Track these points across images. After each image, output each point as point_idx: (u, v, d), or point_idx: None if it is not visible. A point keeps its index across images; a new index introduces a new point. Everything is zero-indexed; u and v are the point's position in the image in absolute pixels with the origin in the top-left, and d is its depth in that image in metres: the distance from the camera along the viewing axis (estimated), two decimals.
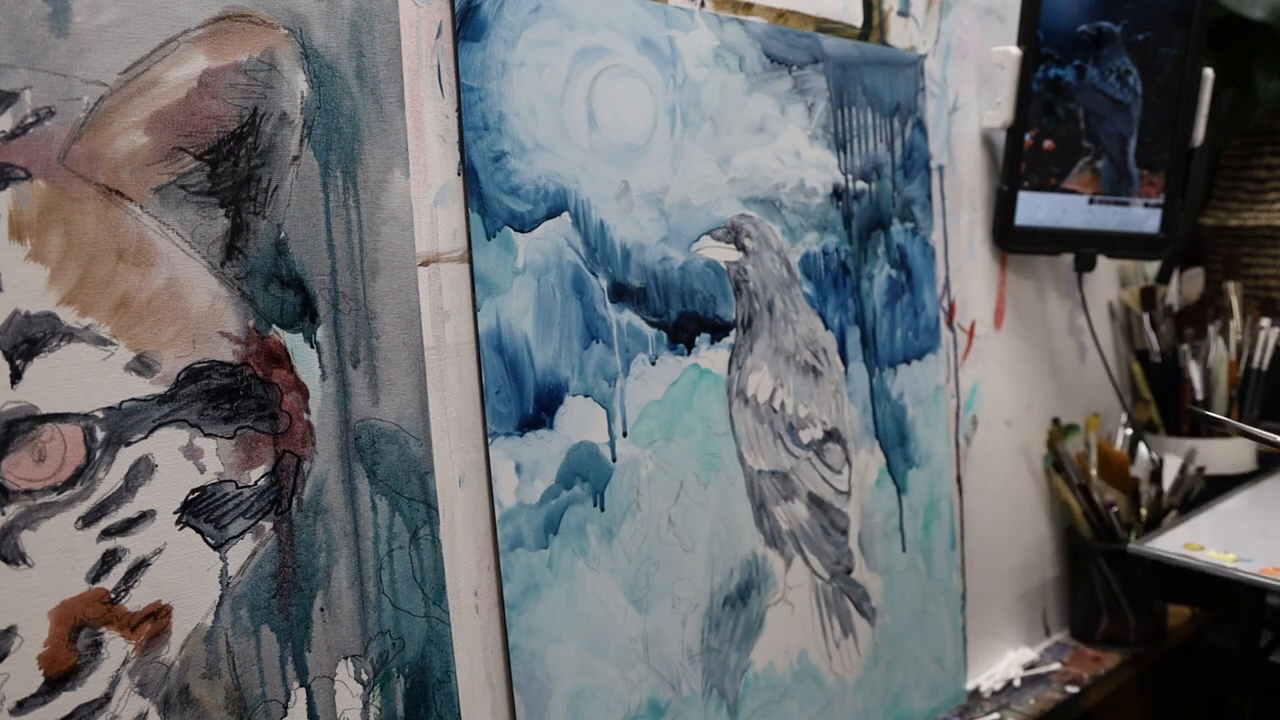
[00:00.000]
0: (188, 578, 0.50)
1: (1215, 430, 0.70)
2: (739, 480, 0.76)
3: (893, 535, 0.88)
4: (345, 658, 0.55)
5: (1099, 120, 1.03)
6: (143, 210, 0.48)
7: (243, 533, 0.51)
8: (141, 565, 0.48)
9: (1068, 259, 1.10)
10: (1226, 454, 1.14)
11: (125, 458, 0.48)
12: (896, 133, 0.89)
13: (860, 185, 0.85)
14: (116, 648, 0.47)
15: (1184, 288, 1.24)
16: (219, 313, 0.51)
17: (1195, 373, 1.14)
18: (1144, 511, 1.04)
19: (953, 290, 0.97)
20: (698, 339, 0.73)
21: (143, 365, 0.48)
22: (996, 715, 0.94)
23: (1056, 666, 1.03)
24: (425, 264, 0.59)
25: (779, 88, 0.79)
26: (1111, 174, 1.05)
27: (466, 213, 0.61)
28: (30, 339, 0.45)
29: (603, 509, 0.67)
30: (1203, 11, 1.04)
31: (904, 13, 0.91)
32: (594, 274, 0.67)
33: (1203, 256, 1.33)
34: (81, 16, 0.46)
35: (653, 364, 0.70)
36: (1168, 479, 1.07)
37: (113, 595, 0.47)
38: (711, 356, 0.74)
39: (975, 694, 0.97)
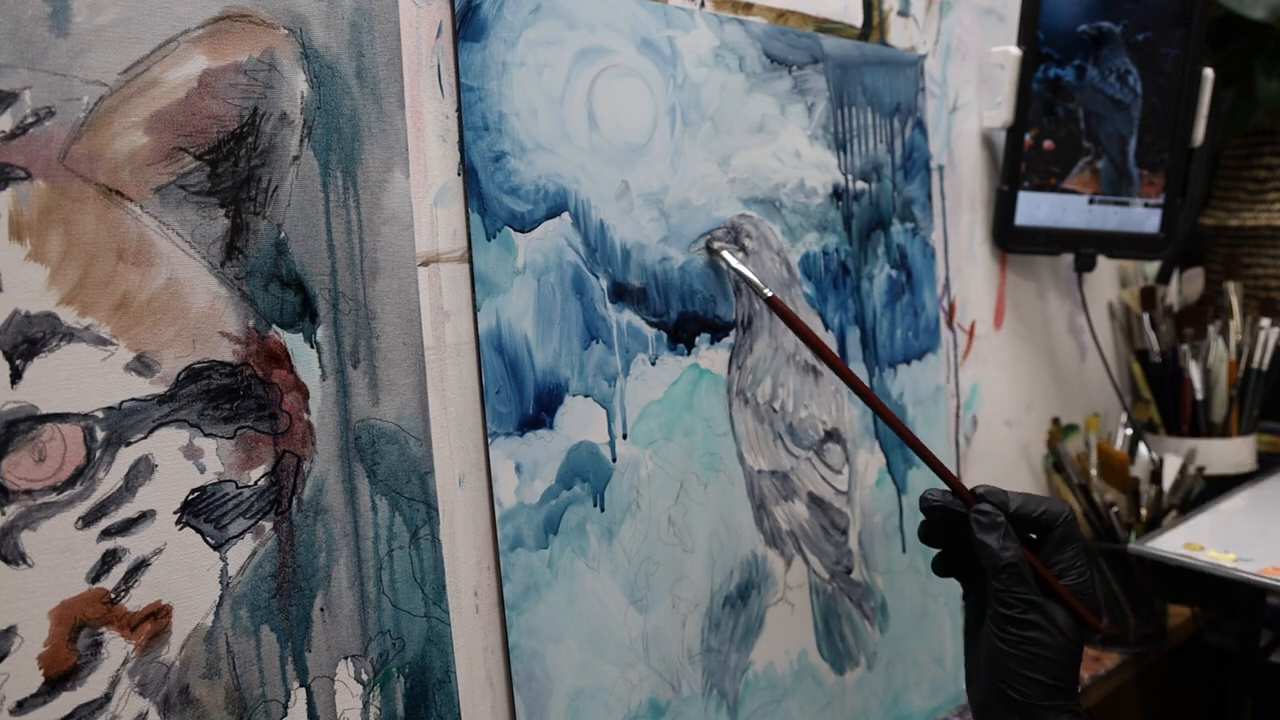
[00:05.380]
0: (188, 578, 0.50)
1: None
2: (739, 480, 0.76)
3: (893, 535, 0.88)
4: (345, 658, 0.55)
5: (1099, 120, 1.03)
6: (143, 210, 0.48)
7: (243, 533, 0.51)
8: (141, 565, 0.48)
9: (1068, 259, 1.10)
10: (1226, 454, 1.14)
11: (125, 458, 0.48)
12: (896, 133, 0.89)
13: (860, 185, 0.85)
14: (116, 648, 0.47)
15: (1184, 288, 1.24)
16: (219, 313, 0.51)
17: (1195, 373, 1.14)
18: (1144, 511, 1.04)
19: (953, 290, 0.97)
20: (698, 339, 0.73)
21: (143, 365, 0.48)
22: None
23: None
24: (425, 264, 0.59)
25: (779, 88, 0.79)
26: (1111, 174, 1.05)
27: (466, 213, 0.61)
28: (30, 339, 0.45)
29: (603, 509, 0.67)
30: (1203, 11, 1.04)
31: (904, 13, 0.91)
32: (594, 274, 0.67)
33: (1203, 256, 1.33)
34: (81, 16, 0.46)
35: (653, 364, 0.70)
36: (1168, 479, 1.07)
37: (113, 595, 0.47)
38: (711, 356, 0.74)
39: None
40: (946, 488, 0.65)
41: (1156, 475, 1.06)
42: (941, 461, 0.66)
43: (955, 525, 0.65)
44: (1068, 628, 0.61)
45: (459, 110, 0.60)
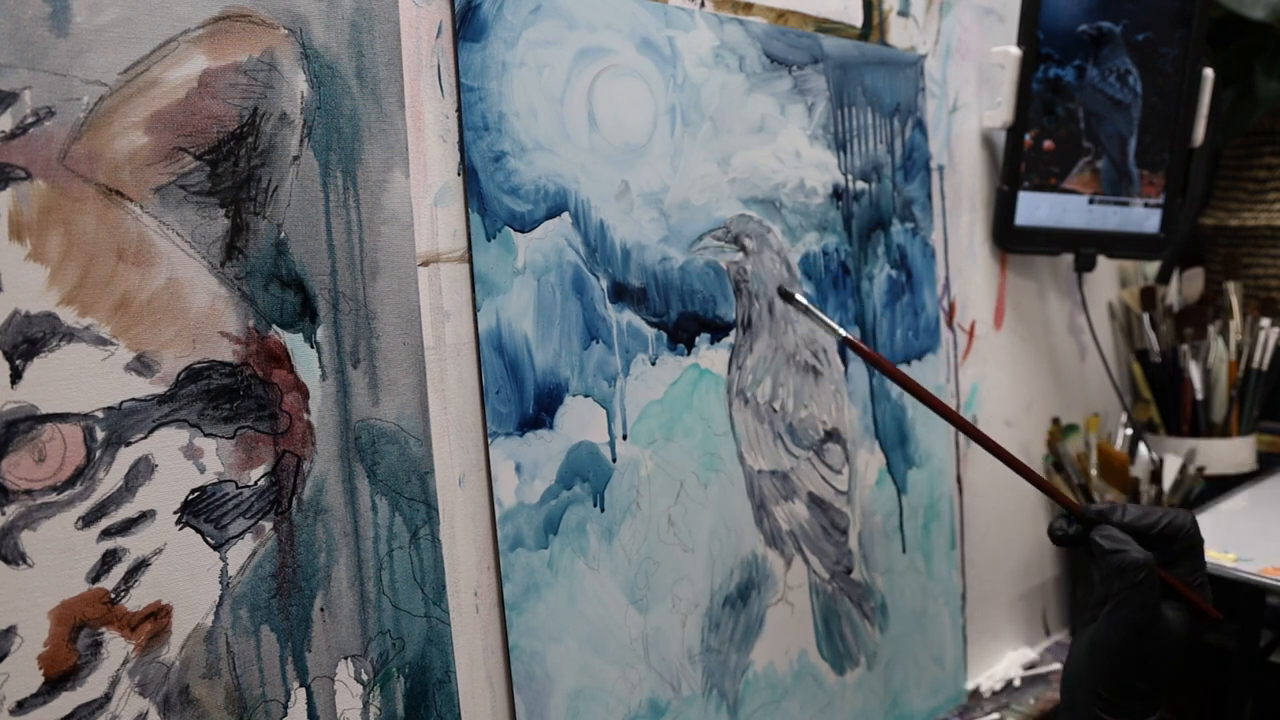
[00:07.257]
0: (188, 578, 0.50)
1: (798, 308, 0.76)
2: (739, 480, 0.76)
3: (893, 535, 0.88)
4: (345, 658, 0.55)
5: (1099, 120, 1.03)
6: (143, 210, 0.48)
7: (243, 533, 0.51)
8: (141, 565, 0.48)
9: (1068, 259, 1.10)
10: (1226, 454, 1.14)
11: (125, 458, 0.48)
12: (896, 133, 0.89)
13: (860, 185, 0.85)
14: (116, 648, 0.47)
15: (1184, 288, 1.24)
16: (219, 313, 0.51)
17: (1195, 373, 1.14)
18: None
19: (953, 290, 0.97)
20: (698, 339, 0.73)
21: (143, 365, 0.48)
22: (996, 715, 0.94)
23: (1056, 666, 1.03)
24: (425, 264, 0.59)
25: (779, 88, 0.79)
26: (1111, 174, 1.05)
27: (466, 213, 0.61)
28: (30, 339, 0.45)
29: (603, 509, 0.67)
30: (1203, 11, 1.04)
31: (904, 13, 0.91)
32: (594, 274, 0.67)
33: (1203, 256, 1.33)
34: (81, 16, 0.46)
35: (653, 364, 0.70)
36: (1168, 479, 1.07)
37: (113, 595, 0.47)
38: (711, 356, 0.74)
39: (975, 694, 0.97)
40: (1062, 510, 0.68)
41: (1156, 475, 1.06)
42: (1054, 486, 0.70)
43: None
44: (1173, 644, 0.63)
45: (459, 110, 0.60)
